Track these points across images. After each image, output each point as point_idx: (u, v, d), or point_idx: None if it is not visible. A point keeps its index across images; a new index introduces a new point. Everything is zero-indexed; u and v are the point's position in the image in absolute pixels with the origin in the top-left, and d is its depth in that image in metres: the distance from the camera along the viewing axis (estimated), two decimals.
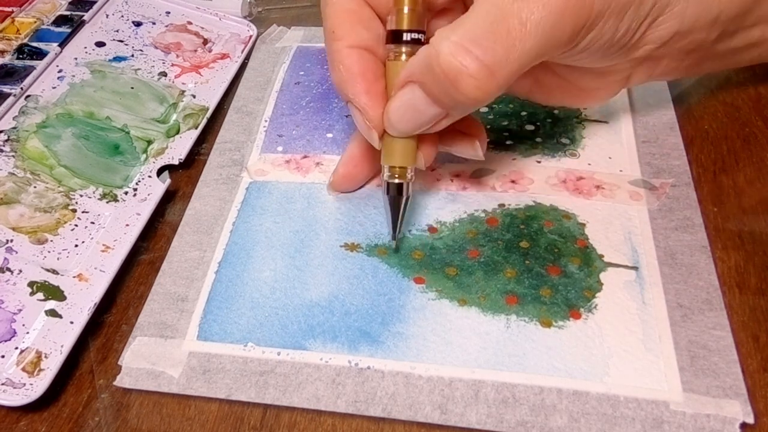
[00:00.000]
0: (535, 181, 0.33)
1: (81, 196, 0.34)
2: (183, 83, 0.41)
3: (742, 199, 0.32)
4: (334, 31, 0.28)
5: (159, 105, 0.40)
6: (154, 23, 0.46)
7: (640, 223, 0.31)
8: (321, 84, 0.41)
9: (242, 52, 0.44)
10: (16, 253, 0.31)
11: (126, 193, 0.35)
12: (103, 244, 0.32)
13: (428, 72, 0.25)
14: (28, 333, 0.28)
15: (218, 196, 0.35)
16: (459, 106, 0.26)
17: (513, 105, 0.38)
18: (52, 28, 0.44)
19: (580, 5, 0.24)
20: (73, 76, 0.41)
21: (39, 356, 0.28)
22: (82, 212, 0.34)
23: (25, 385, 0.27)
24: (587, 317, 0.28)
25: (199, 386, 0.27)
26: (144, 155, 0.37)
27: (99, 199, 0.34)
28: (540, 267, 0.30)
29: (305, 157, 0.36)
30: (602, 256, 0.30)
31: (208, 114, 0.39)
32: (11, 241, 0.32)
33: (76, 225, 0.33)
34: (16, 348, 0.28)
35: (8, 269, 0.30)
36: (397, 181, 0.29)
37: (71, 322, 0.29)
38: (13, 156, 0.36)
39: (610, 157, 0.34)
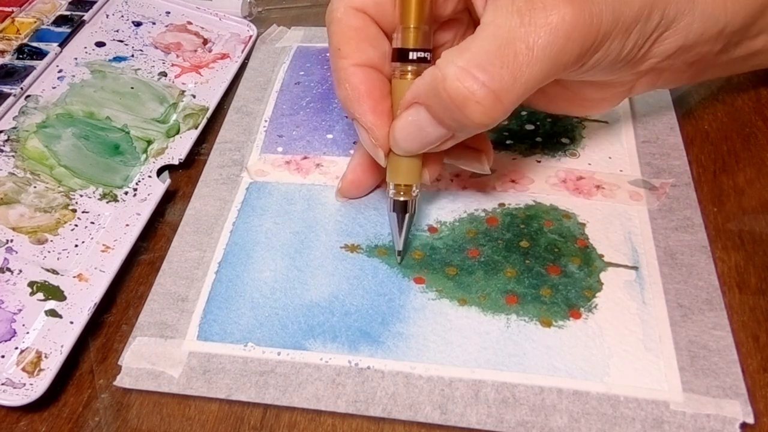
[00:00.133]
0: (535, 180, 0.33)
1: (81, 196, 0.34)
2: (183, 83, 0.41)
3: (742, 199, 0.32)
4: (340, 48, 0.28)
5: (159, 105, 0.40)
6: (154, 23, 0.46)
7: (640, 223, 0.31)
8: (321, 84, 0.41)
9: (242, 52, 0.44)
10: (16, 253, 0.31)
11: (126, 193, 0.35)
12: (103, 244, 0.32)
13: (434, 95, 0.25)
14: (28, 333, 0.28)
15: (218, 197, 0.35)
16: (464, 130, 0.26)
17: None
18: (52, 28, 0.44)
19: (587, 28, 0.24)
20: (73, 76, 0.41)
21: (39, 356, 0.28)
22: (82, 212, 0.34)
23: (25, 385, 0.27)
24: (587, 317, 0.28)
25: (199, 386, 0.27)
26: (144, 155, 0.37)
27: (99, 199, 0.34)
28: (540, 267, 0.30)
29: (305, 158, 0.36)
30: (602, 255, 0.30)
31: (208, 114, 0.39)
32: (11, 241, 0.32)
33: (76, 225, 0.33)
34: (16, 348, 0.28)
35: (8, 269, 0.30)
36: (402, 198, 0.29)
37: (71, 322, 0.29)
38: (13, 156, 0.36)
39: (610, 157, 0.34)
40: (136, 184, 0.35)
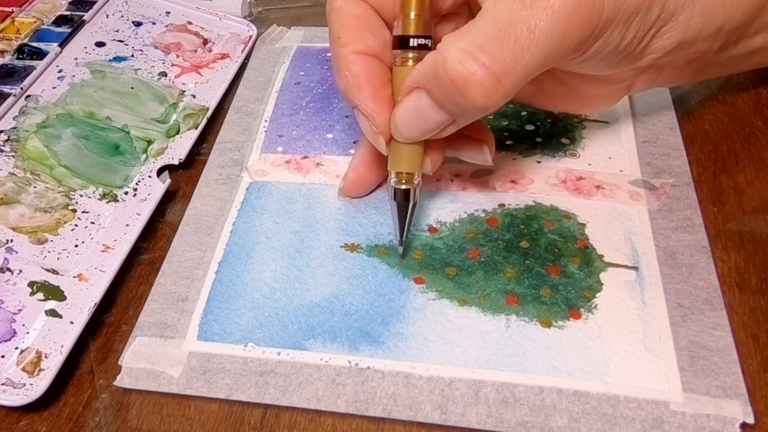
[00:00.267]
0: (535, 181, 0.33)
1: (81, 196, 0.34)
2: (183, 83, 0.41)
3: (742, 199, 0.32)
4: (340, 37, 0.28)
5: (159, 105, 0.40)
6: (154, 23, 0.46)
7: (640, 223, 0.31)
8: (321, 84, 0.41)
9: (242, 52, 0.44)
10: (16, 253, 0.31)
11: (126, 193, 0.35)
12: (103, 244, 0.32)
13: (435, 78, 0.25)
14: (28, 333, 0.28)
15: (218, 196, 0.35)
16: (466, 113, 0.26)
17: (513, 105, 0.38)
18: (52, 28, 0.44)
19: (589, 12, 0.24)
20: (73, 76, 0.41)
21: (39, 356, 0.28)
22: (82, 212, 0.34)
23: (25, 385, 0.27)
24: (587, 317, 0.28)
25: (199, 386, 0.27)
26: (144, 155, 0.37)
27: (99, 199, 0.34)
28: (540, 267, 0.30)
29: (305, 157, 0.36)
30: (602, 256, 0.30)
31: (208, 114, 0.39)
32: (11, 241, 0.32)
33: (76, 225, 0.33)
34: (16, 348, 0.28)
35: (8, 269, 0.30)
36: (403, 186, 0.29)
37: (71, 322, 0.29)
38: (13, 156, 0.36)
39: (610, 157, 0.34)
40: (136, 184, 0.35)
